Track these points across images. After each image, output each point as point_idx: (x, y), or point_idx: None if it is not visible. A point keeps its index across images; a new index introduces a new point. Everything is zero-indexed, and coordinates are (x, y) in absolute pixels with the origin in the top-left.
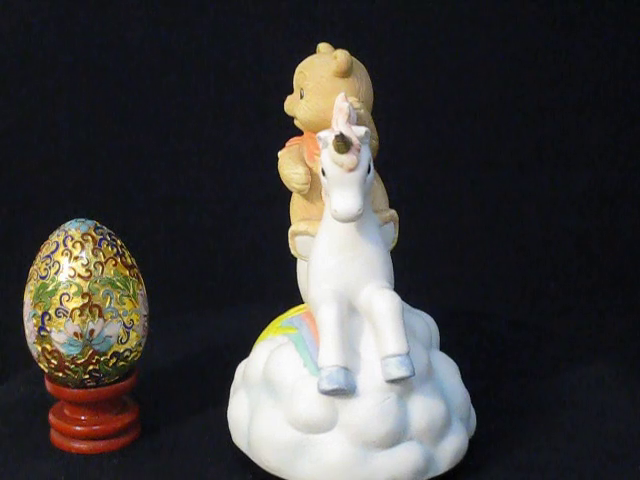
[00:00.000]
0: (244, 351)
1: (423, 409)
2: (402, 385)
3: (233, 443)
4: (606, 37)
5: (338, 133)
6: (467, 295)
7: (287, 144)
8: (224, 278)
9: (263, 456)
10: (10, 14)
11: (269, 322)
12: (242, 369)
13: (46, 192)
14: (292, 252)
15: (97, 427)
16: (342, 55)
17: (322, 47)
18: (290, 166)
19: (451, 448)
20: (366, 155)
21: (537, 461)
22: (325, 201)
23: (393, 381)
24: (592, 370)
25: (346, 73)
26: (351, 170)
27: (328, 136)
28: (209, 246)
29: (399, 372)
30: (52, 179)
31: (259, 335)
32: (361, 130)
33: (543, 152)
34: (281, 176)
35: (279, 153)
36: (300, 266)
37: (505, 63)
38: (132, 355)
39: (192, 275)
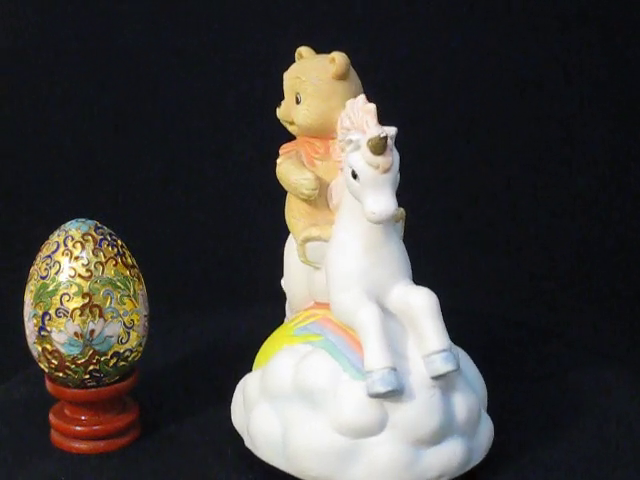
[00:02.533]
0: (244, 351)
1: (462, 402)
2: (443, 380)
3: (233, 443)
4: (606, 37)
5: (374, 135)
6: (467, 295)
7: (282, 151)
8: (224, 278)
9: (307, 467)
10: (10, 14)
11: (269, 322)
12: (253, 382)
13: (46, 192)
14: (301, 259)
15: (97, 427)
16: (341, 58)
17: (304, 51)
18: (296, 172)
19: (484, 438)
20: (397, 155)
21: (537, 461)
22: (344, 204)
23: (438, 377)
24: (592, 370)
25: (345, 75)
26: (386, 171)
27: (361, 138)
28: (209, 246)
29: (446, 367)
30: (52, 179)
31: (262, 346)
32: (392, 130)
33: (543, 152)
34: (285, 183)
35: (278, 160)
36: (297, 273)
37: (505, 63)
38: (132, 355)
39: (192, 275)
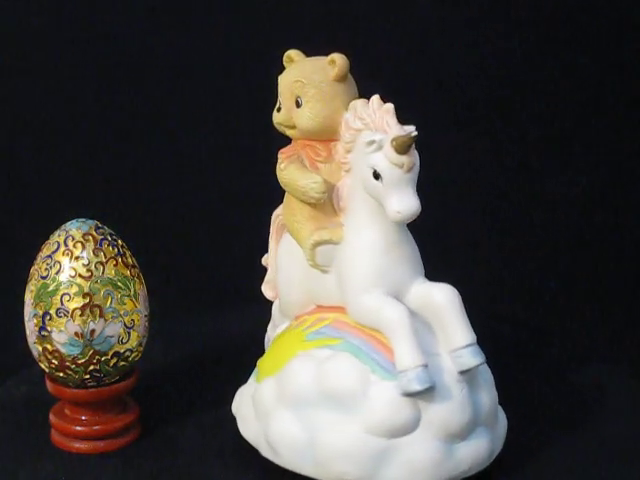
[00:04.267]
0: (244, 351)
1: (485, 394)
2: (467, 374)
3: (233, 443)
4: (607, 37)
5: (399, 134)
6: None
7: (282, 155)
8: (224, 278)
9: (342, 471)
10: (9, 13)
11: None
12: (267, 391)
13: (47, 192)
14: (309, 264)
15: (97, 427)
16: (341, 59)
17: (294, 54)
18: (304, 176)
19: (502, 427)
20: (416, 153)
21: (536, 460)
22: (357, 206)
23: (466, 371)
24: (592, 370)
25: (345, 77)
26: (410, 170)
27: (384, 138)
28: (210, 246)
29: (475, 361)
30: (53, 179)
31: (267, 354)
32: (412, 128)
33: (543, 152)
34: (292, 188)
35: (281, 165)
36: (295, 277)
37: (505, 62)
38: (133, 355)
39: (192, 275)
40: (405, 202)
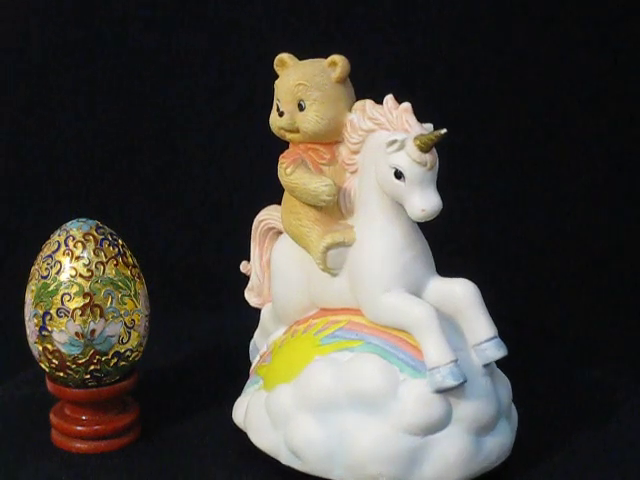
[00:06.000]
0: (244, 351)
1: (502, 386)
2: (489, 367)
3: (233, 443)
4: (607, 36)
5: (422, 132)
6: None
7: (285, 160)
8: (224, 278)
9: (376, 472)
10: (9, 13)
11: None
12: (284, 398)
13: (47, 192)
14: (320, 267)
15: (98, 427)
16: (343, 60)
17: (287, 58)
18: (314, 180)
19: (515, 417)
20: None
21: (536, 460)
22: (371, 206)
23: (487, 364)
24: (592, 370)
25: (346, 78)
26: (432, 167)
27: (407, 137)
28: (210, 246)
29: (499, 353)
30: (53, 179)
31: (274, 362)
32: (430, 126)
33: (543, 152)
34: (301, 191)
35: (287, 170)
36: (296, 282)
37: (505, 61)
38: (133, 355)
39: (193, 275)
40: (429, 200)
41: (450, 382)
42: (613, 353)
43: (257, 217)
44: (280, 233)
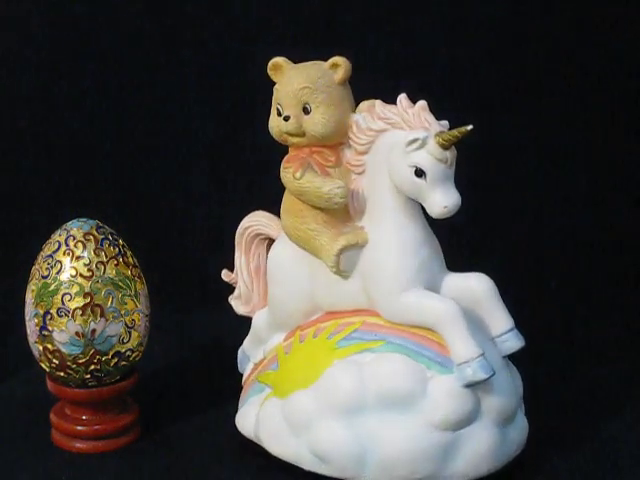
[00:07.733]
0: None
1: (517, 377)
2: (505, 358)
3: (233, 443)
4: (607, 36)
5: (442, 130)
6: None
7: (289, 164)
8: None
9: (411, 470)
10: (9, 12)
11: None
12: (305, 405)
13: (48, 191)
14: (332, 270)
15: (98, 427)
16: (345, 62)
17: (282, 62)
18: (326, 183)
19: (523, 411)
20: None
21: (536, 460)
22: (386, 205)
23: (509, 355)
24: (592, 370)
25: (348, 79)
26: (452, 164)
27: (429, 135)
28: (210, 246)
29: (519, 343)
30: (54, 178)
31: (284, 369)
32: (446, 123)
33: (543, 152)
34: (313, 195)
35: (296, 175)
36: (298, 286)
37: (505, 60)
38: (134, 355)
39: (193, 275)
40: (451, 196)
41: (481, 375)
42: (613, 353)
43: (241, 224)
44: (267, 239)
